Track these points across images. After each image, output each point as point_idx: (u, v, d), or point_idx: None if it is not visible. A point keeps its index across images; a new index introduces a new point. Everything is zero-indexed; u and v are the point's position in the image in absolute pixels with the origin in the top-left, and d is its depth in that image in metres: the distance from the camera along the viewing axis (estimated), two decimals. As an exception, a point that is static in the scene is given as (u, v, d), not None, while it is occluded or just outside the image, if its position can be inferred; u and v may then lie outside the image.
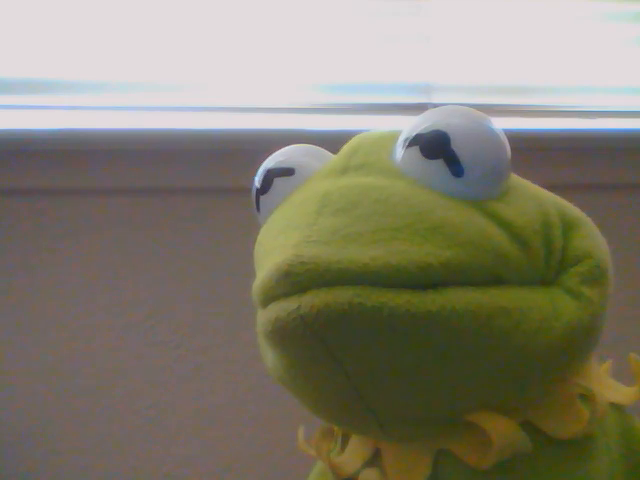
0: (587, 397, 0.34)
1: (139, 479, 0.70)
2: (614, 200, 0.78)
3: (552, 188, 0.38)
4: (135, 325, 0.71)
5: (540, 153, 0.74)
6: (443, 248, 0.30)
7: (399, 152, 0.34)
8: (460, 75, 0.76)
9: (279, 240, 0.32)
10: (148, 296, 0.71)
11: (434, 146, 0.32)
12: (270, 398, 0.69)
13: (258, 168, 0.38)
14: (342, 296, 0.29)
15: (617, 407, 0.37)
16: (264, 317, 0.32)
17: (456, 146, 0.32)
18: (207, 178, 0.72)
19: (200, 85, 0.73)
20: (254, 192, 0.38)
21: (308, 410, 0.37)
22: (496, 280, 0.32)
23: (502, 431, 0.32)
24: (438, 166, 0.32)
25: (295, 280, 0.30)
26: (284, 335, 0.31)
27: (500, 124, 0.34)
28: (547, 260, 0.34)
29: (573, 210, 0.37)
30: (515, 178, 0.35)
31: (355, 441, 0.39)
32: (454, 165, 0.32)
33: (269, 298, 0.31)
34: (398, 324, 0.29)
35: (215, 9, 0.73)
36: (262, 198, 0.37)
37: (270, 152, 0.39)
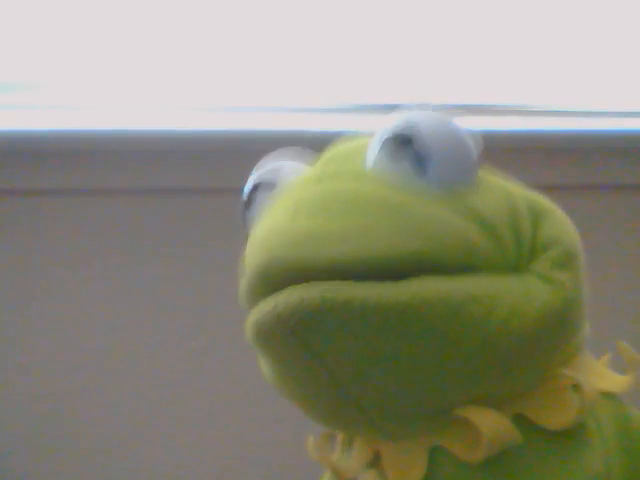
0: (577, 387, 0.34)
1: (139, 479, 0.70)
2: (614, 200, 0.78)
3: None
4: (135, 325, 0.71)
5: (538, 153, 0.74)
6: (411, 239, 0.31)
7: (370, 157, 0.35)
8: (458, 75, 0.76)
9: (257, 247, 0.33)
10: (148, 296, 0.71)
11: (398, 147, 0.34)
12: (270, 399, 0.69)
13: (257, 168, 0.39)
14: (314, 292, 0.30)
15: (613, 397, 0.38)
16: (247, 322, 0.33)
17: (419, 146, 0.34)
18: (207, 178, 0.72)
19: (200, 85, 0.73)
20: (242, 207, 0.39)
21: (304, 414, 0.37)
22: (467, 269, 0.33)
23: (491, 425, 0.33)
24: (404, 166, 0.34)
25: (270, 281, 0.31)
26: (265, 337, 0.32)
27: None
28: (518, 249, 0.35)
29: (542, 201, 0.38)
30: (485, 174, 0.37)
31: (357, 445, 0.39)
32: (418, 164, 0.34)
33: (251, 302, 0.33)
34: (370, 316, 0.31)
35: (215, 9, 0.73)
36: (247, 213, 0.39)
37: (270, 152, 0.40)
